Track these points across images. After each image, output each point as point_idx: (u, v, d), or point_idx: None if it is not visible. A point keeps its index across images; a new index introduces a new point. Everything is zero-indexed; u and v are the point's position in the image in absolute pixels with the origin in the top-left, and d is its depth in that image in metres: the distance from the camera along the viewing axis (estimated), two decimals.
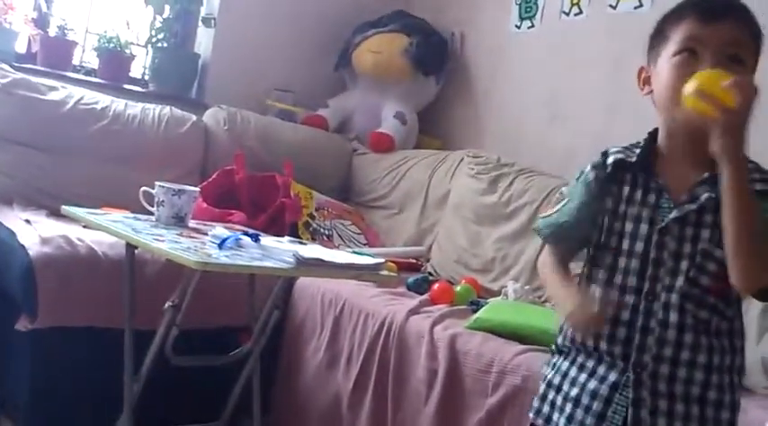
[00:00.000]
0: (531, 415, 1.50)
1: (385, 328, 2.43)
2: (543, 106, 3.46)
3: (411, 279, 2.85)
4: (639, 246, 1.36)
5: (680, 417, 1.33)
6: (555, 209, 1.51)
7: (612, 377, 1.36)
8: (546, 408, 1.46)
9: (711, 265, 1.32)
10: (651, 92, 1.41)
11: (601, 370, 1.38)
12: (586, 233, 1.45)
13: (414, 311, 2.46)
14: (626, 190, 1.40)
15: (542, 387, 1.48)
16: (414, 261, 3.23)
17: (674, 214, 1.34)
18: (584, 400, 1.38)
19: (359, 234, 3.42)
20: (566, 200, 1.49)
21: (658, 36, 1.40)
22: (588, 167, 1.46)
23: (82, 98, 3.17)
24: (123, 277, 2.11)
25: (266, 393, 2.61)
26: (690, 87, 1.26)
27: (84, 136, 3.10)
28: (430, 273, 3.13)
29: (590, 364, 1.40)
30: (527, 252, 2.91)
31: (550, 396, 1.46)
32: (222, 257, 1.85)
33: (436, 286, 2.69)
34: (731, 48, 1.32)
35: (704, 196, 1.33)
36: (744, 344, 1.39)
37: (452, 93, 3.93)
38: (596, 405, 1.37)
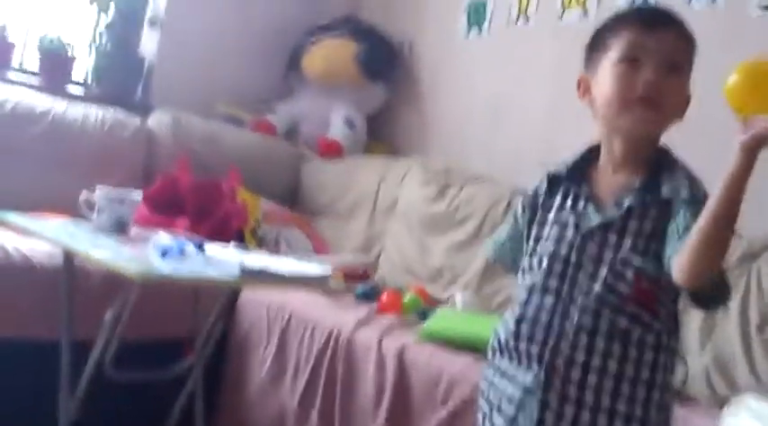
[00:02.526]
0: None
1: (332, 340, 2.40)
2: (490, 112, 3.47)
3: (360, 288, 2.81)
4: (563, 250, 1.38)
5: None
6: (499, 229, 1.58)
7: (527, 380, 1.36)
8: (479, 417, 1.48)
9: (629, 272, 1.32)
10: (592, 100, 1.42)
11: (519, 375, 1.39)
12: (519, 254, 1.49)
13: (362, 322, 2.43)
14: (557, 199, 1.44)
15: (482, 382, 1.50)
16: (362, 270, 3.19)
17: (597, 219, 1.36)
18: (503, 405, 1.40)
19: (306, 241, 3.37)
20: (509, 221, 1.55)
21: (598, 45, 1.42)
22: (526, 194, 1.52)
23: (21, 100, 3.07)
24: (61, 287, 2.03)
25: (210, 407, 2.55)
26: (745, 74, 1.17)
27: (23, 139, 3.01)
28: (378, 282, 3.09)
29: (511, 369, 1.40)
30: (476, 261, 2.89)
31: (481, 404, 1.47)
32: (165, 267, 1.79)
33: (384, 295, 2.66)
34: (672, 56, 1.34)
35: (626, 203, 1.34)
36: (674, 361, 1.38)
37: (401, 99, 3.92)
38: (510, 409, 1.38)
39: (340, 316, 2.48)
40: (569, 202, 1.42)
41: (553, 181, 1.47)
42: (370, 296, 2.76)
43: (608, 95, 1.36)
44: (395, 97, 3.92)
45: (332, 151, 3.73)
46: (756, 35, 2.65)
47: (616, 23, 1.41)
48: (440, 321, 2.37)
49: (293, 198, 3.72)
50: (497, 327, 1.47)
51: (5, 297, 2.29)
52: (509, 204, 2.89)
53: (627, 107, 1.34)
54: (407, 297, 2.68)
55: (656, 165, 1.37)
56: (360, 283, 2.92)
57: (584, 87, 1.44)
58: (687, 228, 1.24)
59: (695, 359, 2.19)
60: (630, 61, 1.35)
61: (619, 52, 1.36)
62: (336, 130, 3.79)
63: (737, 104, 1.16)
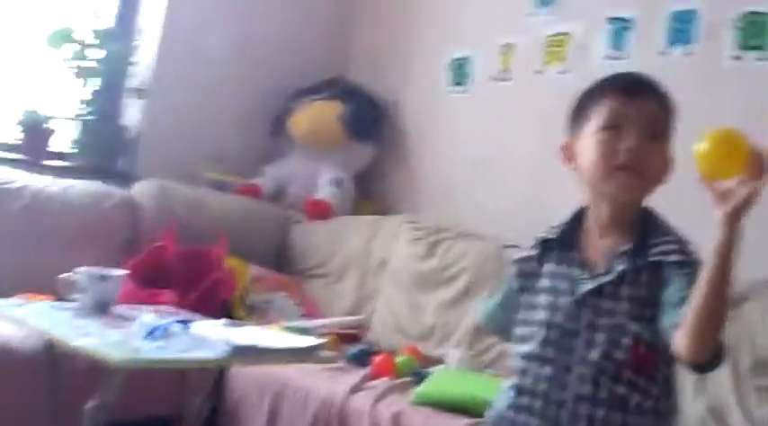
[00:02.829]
0: None
1: (326, 407, 2.37)
2: (477, 169, 3.49)
3: (351, 351, 2.79)
4: (558, 317, 1.39)
5: None
6: (491, 296, 1.61)
7: None
8: None
9: (626, 339, 1.33)
10: (576, 166, 1.44)
11: None
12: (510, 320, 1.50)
13: (355, 388, 2.41)
14: (549, 266, 1.45)
15: None
16: (354, 331, 3.17)
17: (588, 286, 1.37)
18: None
19: (296, 305, 3.35)
20: (501, 288, 1.57)
21: (580, 113, 1.45)
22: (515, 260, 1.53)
23: (0, 176, 3.04)
24: (42, 375, 1.99)
25: None
26: (703, 154, 1.19)
27: (3, 216, 2.95)
28: (370, 343, 3.07)
29: None
30: (467, 318, 2.89)
31: None
32: (149, 351, 1.76)
33: (377, 358, 2.64)
34: (652, 124, 1.38)
35: (619, 268, 1.35)
36: (672, 423, 1.38)
37: (388, 158, 3.94)
38: None
39: (333, 383, 2.46)
40: (561, 269, 1.42)
41: (544, 248, 1.47)
42: (362, 358, 2.73)
43: (592, 162, 1.39)
44: (382, 156, 3.94)
45: (320, 212, 3.72)
46: (729, 83, 2.73)
47: (597, 91, 1.44)
48: (434, 383, 2.35)
49: (282, 261, 3.70)
50: (496, 398, 1.46)
51: None
52: (499, 260, 2.89)
53: (610, 174, 1.36)
54: (400, 359, 2.66)
55: (642, 228, 1.39)
56: (352, 345, 2.90)
57: (567, 153, 1.46)
58: (682, 298, 1.24)
59: (690, 407, 2.18)
60: (612, 129, 1.37)
61: (601, 120, 1.39)
62: (324, 191, 3.79)
63: (709, 170, 1.18)
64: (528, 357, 1.41)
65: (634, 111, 1.37)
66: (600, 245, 1.41)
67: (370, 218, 3.60)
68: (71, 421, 2.02)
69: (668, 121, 1.41)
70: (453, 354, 2.71)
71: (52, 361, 1.99)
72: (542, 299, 1.43)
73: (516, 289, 1.50)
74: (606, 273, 1.36)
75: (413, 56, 3.90)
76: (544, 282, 1.44)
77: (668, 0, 2.90)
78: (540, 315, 1.41)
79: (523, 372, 1.41)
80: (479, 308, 1.65)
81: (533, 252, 1.49)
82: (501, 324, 1.58)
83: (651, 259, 1.34)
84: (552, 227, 1.50)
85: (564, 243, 1.45)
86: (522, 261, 1.51)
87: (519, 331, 1.46)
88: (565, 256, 1.43)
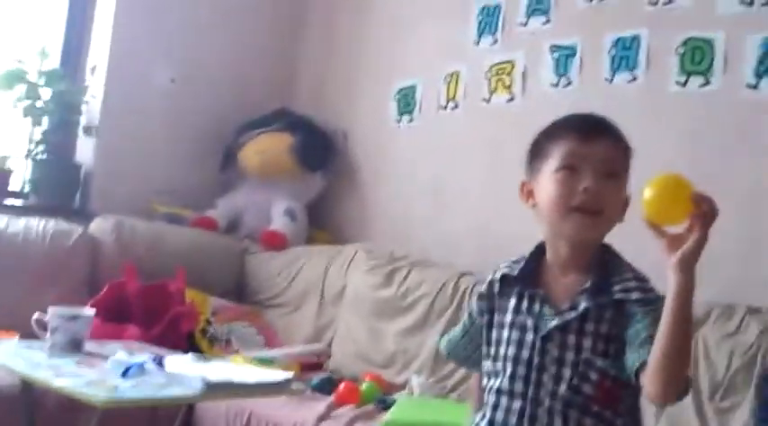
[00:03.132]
0: None
1: None
2: (429, 197, 3.55)
3: (315, 379, 2.83)
4: (525, 353, 1.42)
5: None
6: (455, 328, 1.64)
7: None
8: None
9: (593, 374, 1.38)
10: (535, 205, 1.49)
11: None
12: (477, 350, 1.56)
13: (322, 417, 2.45)
14: (512, 302, 1.48)
15: None
16: (316, 359, 3.21)
17: (554, 322, 1.41)
18: None
19: (257, 335, 3.39)
20: (462, 320, 1.61)
21: (538, 152, 1.49)
22: (475, 297, 1.57)
23: None
24: (20, 414, 2.01)
25: None
26: (650, 200, 1.25)
27: None
28: (332, 371, 3.12)
29: None
30: (427, 344, 2.95)
31: None
32: (128, 390, 1.80)
33: (341, 386, 2.68)
34: (608, 164, 1.42)
35: (582, 305, 1.40)
36: None
37: (340, 187, 3.99)
38: None
39: (299, 412, 2.50)
40: (524, 304, 1.46)
41: (504, 282, 1.52)
42: (326, 387, 2.78)
43: (549, 202, 1.43)
44: (333, 185, 3.99)
45: (275, 243, 3.77)
46: (674, 109, 2.82)
47: (554, 132, 1.48)
48: (401, 410, 2.40)
49: (240, 292, 3.73)
50: None
51: None
52: (455, 287, 2.97)
53: (567, 214, 1.41)
54: (365, 386, 2.71)
55: (602, 265, 1.44)
56: (314, 372, 2.94)
57: (526, 192, 1.51)
58: (646, 337, 1.30)
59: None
60: (569, 169, 1.42)
61: (558, 160, 1.43)
62: (278, 222, 3.83)
63: (655, 216, 1.25)
64: (498, 391, 1.45)
65: (590, 152, 1.41)
66: (563, 282, 1.45)
67: (325, 248, 3.66)
68: None
69: (624, 161, 1.45)
70: (416, 380, 2.76)
71: (29, 401, 2.00)
72: (506, 334, 1.47)
73: (479, 324, 1.55)
74: (571, 309, 1.41)
75: (359, 86, 3.97)
76: (508, 317, 1.48)
77: (611, 27, 2.98)
78: (507, 350, 1.45)
79: (494, 407, 1.45)
80: (443, 339, 1.69)
81: (495, 288, 1.53)
82: (464, 355, 1.63)
83: (614, 297, 1.38)
84: (512, 262, 1.53)
85: (526, 278, 1.49)
86: (484, 298, 1.54)
87: (487, 365, 1.50)
88: (527, 292, 1.47)
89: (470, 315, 1.59)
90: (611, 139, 1.45)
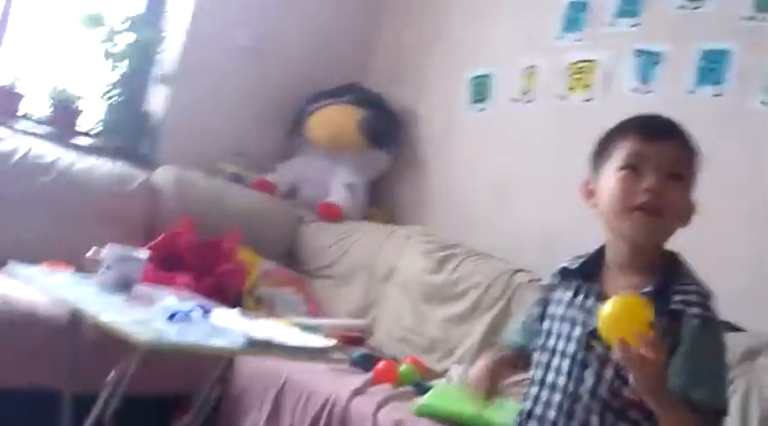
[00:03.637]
0: None
1: (327, 408, 2.40)
2: (491, 189, 3.51)
3: (356, 354, 2.82)
4: (571, 348, 1.42)
5: None
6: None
7: None
8: None
9: None
10: (596, 204, 1.46)
11: None
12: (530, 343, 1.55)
13: (358, 391, 2.43)
14: (568, 295, 1.47)
15: None
16: (357, 334, 3.20)
17: None
18: None
19: (302, 302, 3.39)
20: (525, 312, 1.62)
21: (602, 151, 1.47)
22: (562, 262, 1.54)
23: (30, 150, 3.10)
24: (66, 342, 2.04)
25: None
26: (606, 315, 1.28)
27: (31, 188, 3.02)
28: (373, 348, 3.11)
29: None
30: (472, 335, 2.92)
31: None
32: (172, 334, 1.81)
33: (381, 364, 2.67)
34: (671, 166, 1.39)
35: None
36: None
37: (403, 168, 3.97)
38: None
39: (336, 384, 2.48)
40: (579, 299, 1.45)
41: (563, 276, 1.51)
42: (365, 363, 2.76)
43: (610, 201, 1.41)
44: (397, 165, 3.98)
45: (331, 214, 3.77)
46: (756, 128, 2.73)
47: (619, 132, 1.46)
48: (438, 397, 2.38)
49: (290, 258, 3.74)
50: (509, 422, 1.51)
51: (9, 348, 2.28)
52: (507, 282, 2.93)
53: (628, 214, 1.38)
54: (403, 368, 2.68)
55: (666, 272, 1.40)
56: (354, 348, 2.93)
57: (588, 191, 1.49)
58: (692, 369, 1.30)
59: None
60: (632, 169, 1.39)
61: (621, 160, 1.41)
62: (337, 194, 3.83)
63: (610, 329, 1.26)
64: (541, 383, 1.45)
65: (654, 153, 1.39)
66: (621, 282, 1.42)
67: (381, 226, 3.64)
68: (90, 385, 2.07)
69: (689, 165, 1.43)
70: (456, 370, 2.72)
71: (74, 332, 2.03)
72: (557, 326, 1.46)
73: (536, 317, 1.55)
74: None
75: (434, 68, 3.94)
76: (560, 310, 1.47)
77: (701, 37, 2.88)
78: (556, 343, 1.45)
79: (535, 399, 1.45)
80: (509, 328, 1.69)
81: (555, 281, 1.53)
82: (518, 347, 1.62)
83: (672, 307, 1.35)
84: (576, 257, 1.52)
85: (586, 274, 1.48)
86: (546, 289, 1.55)
87: (536, 356, 1.49)
88: (585, 287, 1.46)
89: (531, 307, 1.60)
90: (676, 141, 1.42)
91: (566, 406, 1.39)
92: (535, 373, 1.48)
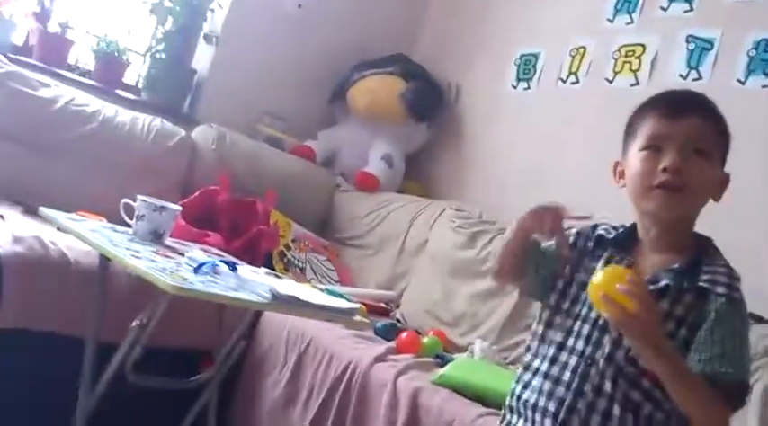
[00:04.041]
0: None
1: (348, 372, 2.41)
2: (530, 169, 3.47)
3: (380, 323, 2.82)
4: (594, 313, 1.41)
5: None
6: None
7: None
8: None
9: None
10: (624, 185, 1.46)
11: None
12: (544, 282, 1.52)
13: (379, 358, 2.44)
14: (599, 265, 1.45)
15: None
16: (383, 305, 3.21)
17: None
18: None
19: (332, 270, 3.40)
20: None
21: (629, 131, 1.47)
22: (573, 231, 1.54)
23: (73, 99, 3.13)
24: (94, 288, 2.07)
25: (221, 422, 2.55)
26: (594, 282, 1.30)
27: (70, 137, 3.06)
28: (398, 320, 3.11)
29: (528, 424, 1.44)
30: (498, 312, 2.90)
31: None
32: (197, 283, 1.82)
33: (404, 334, 2.67)
34: (694, 142, 1.37)
35: (663, 282, 1.37)
36: None
37: (442, 143, 3.95)
38: None
39: (358, 350, 2.49)
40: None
41: (598, 244, 1.50)
42: (389, 332, 2.77)
43: (632, 181, 1.42)
44: (436, 139, 3.96)
45: (367, 184, 3.77)
46: None
47: (643, 110, 1.45)
48: (458, 368, 2.37)
49: (323, 225, 3.75)
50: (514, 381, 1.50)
51: (39, 291, 2.32)
52: None
53: (649, 192, 1.39)
54: (426, 339, 2.68)
55: (697, 252, 1.40)
56: (380, 318, 2.93)
57: (618, 172, 1.49)
58: (719, 341, 1.30)
59: None
60: (653, 149, 1.39)
61: (642, 140, 1.41)
62: (374, 165, 3.83)
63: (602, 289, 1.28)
64: (560, 346, 1.44)
65: (675, 130, 1.38)
66: (652, 260, 1.43)
67: (416, 199, 3.63)
68: (114, 334, 2.10)
69: (715, 139, 1.41)
70: (479, 345, 2.72)
71: (104, 276, 2.05)
72: (584, 295, 1.43)
73: (566, 261, 1.50)
74: (651, 282, 1.37)
75: (481, 45, 3.90)
76: (588, 278, 1.43)
77: (756, 26, 2.81)
78: (581, 309, 1.44)
79: (552, 360, 1.44)
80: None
81: (588, 245, 1.51)
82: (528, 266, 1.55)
83: (699, 284, 1.35)
84: (612, 227, 1.52)
85: (620, 245, 1.47)
86: (582, 246, 1.51)
87: (557, 319, 1.48)
88: (617, 257, 1.45)
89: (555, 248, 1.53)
90: (697, 117, 1.40)
91: (581, 369, 1.39)
92: (552, 335, 1.47)
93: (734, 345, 1.31)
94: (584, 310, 1.43)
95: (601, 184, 3.00)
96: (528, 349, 1.52)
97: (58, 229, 2.49)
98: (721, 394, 1.29)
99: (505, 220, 3.25)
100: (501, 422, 1.53)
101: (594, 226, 1.53)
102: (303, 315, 1.99)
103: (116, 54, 3.54)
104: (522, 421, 1.47)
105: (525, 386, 1.47)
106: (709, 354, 1.29)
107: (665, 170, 1.36)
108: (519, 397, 1.47)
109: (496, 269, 1.61)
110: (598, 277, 1.30)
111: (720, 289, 1.33)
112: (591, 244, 1.51)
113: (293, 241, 3.33)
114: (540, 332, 1.50)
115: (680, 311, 1.35)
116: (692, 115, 1.39)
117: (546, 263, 1.53)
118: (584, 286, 1.43)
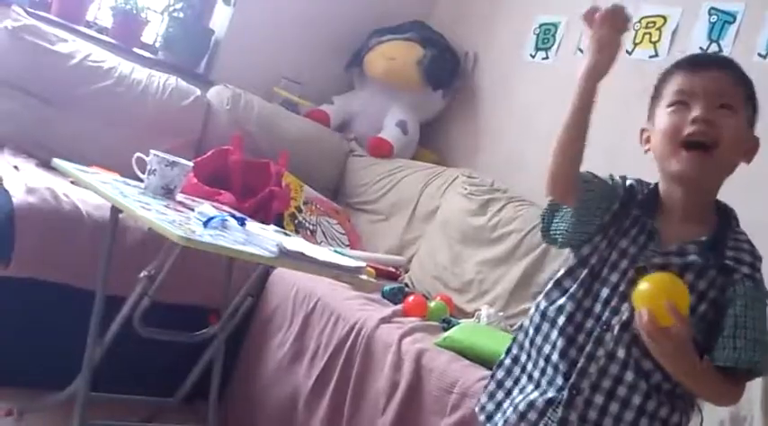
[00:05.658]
0: (475, 409, 1.57)
1: (354, 332, 2.42)
2: (544, 139, 3.36)
3: (387, 287, 2.84)
4: (615, 277, 1.40)
5: None
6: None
7: (551, 392, 1.40)
8: (490, 406, 1.52)
9: None
10: (650, 148, 1.45)
11: (543, 383, 1.42)
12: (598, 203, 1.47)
13: (385, 320, 2.45)
14: (626, 223, 1.44)
15: (492, 386, 1.54)
16: (392, 269, 3.22)
17: (656, 260, 1.37)
18: (522, 407, 1.43)
19: (342, 234, 3.41)
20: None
21: (655, 95, 1.46)
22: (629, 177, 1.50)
23: (90, 55, 3.14)
24: (104, 239, 2.09)
25: (226, 378, 2.59)
26: (642, 288, 1.28)
27: (86, 92, 3.08)
28: (406, 284, 3.12)
29: (536, 375, 1.45)
30: (506, 279, 2.90)
31: (498, 396, 1.52)
32: (206, 236, 1.83)
33: (411, 298, 2.68)
34: (720, 96, 1.36)
35: (691, 257, 1.35)
36: (690, 410, 1.41)
37: (457, 111, 3.93)
38: (531, 415, 1.42)
39: (365, 311, 2.50)
40: (634, 232, 1.43)
41: (630, 198, 1.46)
42: (396, 296, 2.79)
43: (660, 138, 1.40)
44: (452, 108, 3.94)
45: (381, 150, 3.76)
46: None
47: (668, 73, 1.45)
48: (463, 332, 2.38)
49: (336, 189, 3.76)
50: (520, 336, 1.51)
51: (51, 242, 2.35)
52: None
53: (677, 149, 1.36)
54: (433, 303, 2.70)
55: (721, 224, 1.39)
56: (389, 282, 2.95)
57: (645, 138, 1.47)
58: (750, 330, 1.31)
59: (711, 413, 2.17)
60: (680, 104, 1.38)
61: (669, 97, 1.40)
62: (389, 131, 3.82)
63: (647, 303, 1.26)
64: (576, 307, 1.42)
65: (700, 84, 1.37)
66: (677, 228, 1.40)
67: (428, 166, 3.63)
68: (124, 288, 2.12)
69: (741, 96, 1.38)
70: (485, 311, 2.73)
71: (114, 227, 2.07)
72: (608, 255, 1.42)
73: (604, 210, 1.45)
74: (677, 254, 1.36)
75: (501, 13, 3.87)
76: (617, 238, 1.43)
77: None
78: (602, 269, 1.42)
79: (568, 319, 1.41)
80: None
81: (634, 197, 1.46)
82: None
83: (724, 261, 1.34)
84: (638, 182, 1.49)
85: (644, 207, 1.44)
86: (626, 198, 1.46)
87: (577, 270, 1.45)
88: (642, 221, 1.42)
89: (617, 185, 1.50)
90: (723, 72, 1.39)
91: (596, 333, 1.38)
92: (569, 285, 1.45)
93: (763, 335, 1.31)
94: (605, 271, 1.41)
95: (616, 155, 3.03)
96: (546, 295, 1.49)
97: (72, 182, 2.52)
98: (742, 377, 1.31)
99: (517, 189, 3.25)
100: (503, 369, 1.53)
101: (624, 180, 1.50)
102: (309, 271, 2.00)
103: (134, 12, 3.54)
104: (531, 364, 1.47)
105: (536, 330, 1.46)
106: (743, 341, 1.30)
107: (694, 121, 1.34)
108: (532, 341, 1.47)
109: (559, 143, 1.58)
110: (645, 287, 1.27)
111: (746, 270, 1.33)
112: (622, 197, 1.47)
113: (305, 203, 3.34)
114: (560, 276, 1.48)
115: (703, 286, 1.35)
116: (714, 69, 1.39)
117: (594, 194, 1.47)
118: (612, 245, 1.42)
